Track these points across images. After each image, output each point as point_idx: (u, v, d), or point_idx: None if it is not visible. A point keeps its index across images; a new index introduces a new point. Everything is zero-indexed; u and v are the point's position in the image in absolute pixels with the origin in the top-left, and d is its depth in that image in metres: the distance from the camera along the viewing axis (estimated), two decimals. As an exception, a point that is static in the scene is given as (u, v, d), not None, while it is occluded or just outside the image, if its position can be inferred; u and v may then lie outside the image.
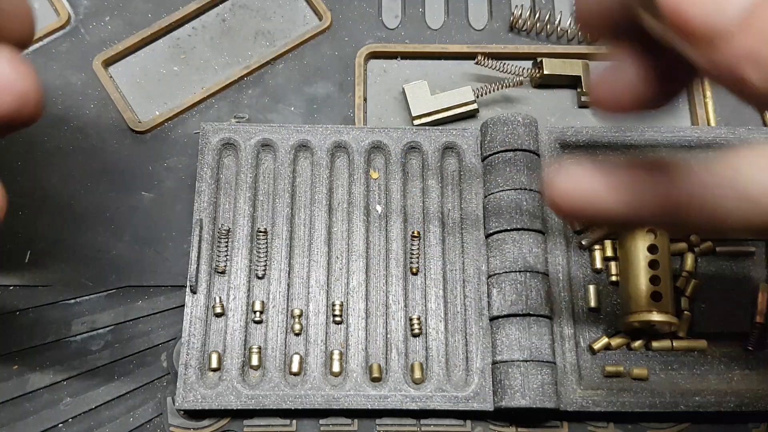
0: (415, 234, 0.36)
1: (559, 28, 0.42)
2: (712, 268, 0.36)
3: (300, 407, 0.32)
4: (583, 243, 0.36)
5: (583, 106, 0.40)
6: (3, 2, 0.22)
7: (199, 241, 0.35)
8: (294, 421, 0.34)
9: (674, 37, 0.19)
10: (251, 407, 0.32)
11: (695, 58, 0.18)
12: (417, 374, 0.34)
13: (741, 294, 0.36)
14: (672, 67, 0.22)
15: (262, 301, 0.35)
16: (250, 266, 0.35)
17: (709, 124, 0.40)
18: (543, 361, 0.32)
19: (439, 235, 0.36)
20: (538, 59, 0.40)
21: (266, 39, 0.42)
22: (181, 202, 0.38)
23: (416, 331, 0.35)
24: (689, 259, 0.36)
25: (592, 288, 0.36)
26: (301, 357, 0.34)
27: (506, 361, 0.33)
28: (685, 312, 0.35)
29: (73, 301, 0.36)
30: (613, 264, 0.36)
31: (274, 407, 0.33)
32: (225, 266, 0.35)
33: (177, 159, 0.39)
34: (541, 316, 0.33)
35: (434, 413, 0.34)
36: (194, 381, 0.33)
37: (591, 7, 0.22)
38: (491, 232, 0.35)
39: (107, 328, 0.35)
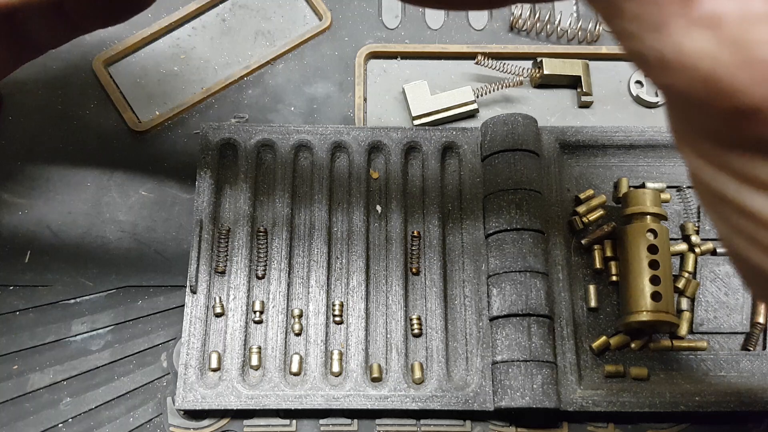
0: (415, 234, 0.36)
1: (559, 28, 0.42)
2: (713, 269, 0.36)
3: (300, 407, 0.32)
4: (583, 243, 0.36)
5: (583, 106, 0.40)
6: None
7: (199, 241, 0.35)
8: (294, 421, 0.34)
9: None
10: (251, 407, 0.32)
11: None
12: (417, 374, 0.34)
13: (741, 294, 0.36)
14: None
15: (262, 301, 0.35)
16: (250, 266, 0.35)
17: (709, 124, 0.40)
18: (543, 361, 0.32)
19: (439, 235, 0.36)
20: (538, 59, 0.40)
21: (266, 39, 0.42)
22: (181, 202, 0.38)
23: (416, 331, 0.35)
24: (689, 260, 0.36)
25: (592, 288, 0.36)
26: (301, 357, 0.34)
27: (506, 361, 0.33)
28: (685, 312, 0.35)
29: (73, 301, 0.36)
30: (613, 264, 0.36)
31: (274, 407, 0.33)
32: (225, 266, 0.36)
33: (177, 159, 0.39)
34: (541, 316, 0.33)
35: (434, 413, 0.34)
36: (194, 381, 0.33)
37: None
38: (491, 232, 0.35)
39: (107, 328, 0.35)
